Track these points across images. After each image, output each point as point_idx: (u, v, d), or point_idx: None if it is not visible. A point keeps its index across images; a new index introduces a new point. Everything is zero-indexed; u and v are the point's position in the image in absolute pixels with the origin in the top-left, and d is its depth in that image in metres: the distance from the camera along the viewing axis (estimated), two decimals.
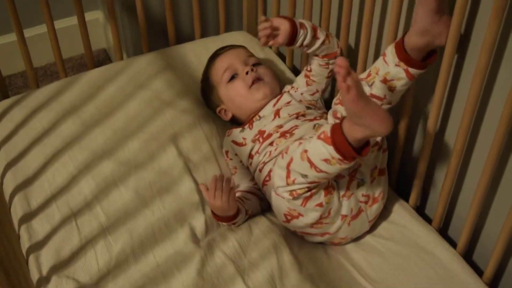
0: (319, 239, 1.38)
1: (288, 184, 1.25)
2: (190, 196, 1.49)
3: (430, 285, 1.30)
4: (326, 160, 1.17)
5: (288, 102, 1.54)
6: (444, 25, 1.18)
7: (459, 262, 1.32)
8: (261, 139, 1.49)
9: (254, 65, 1.59)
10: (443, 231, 1.43)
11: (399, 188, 1.52)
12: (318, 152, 1.18)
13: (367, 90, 1.28)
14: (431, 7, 1.16)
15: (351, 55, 1.58)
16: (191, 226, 1.42)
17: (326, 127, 1.18)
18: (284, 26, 1.46)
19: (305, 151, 1.20)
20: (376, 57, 1.49)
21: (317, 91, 1.59)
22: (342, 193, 1.31)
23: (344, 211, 1.32)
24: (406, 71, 1.25)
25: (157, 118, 1.66)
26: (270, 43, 1.46)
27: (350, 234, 1.37)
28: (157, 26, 1.97)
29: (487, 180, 1.19)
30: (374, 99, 1.28)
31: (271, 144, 1.46)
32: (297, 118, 1.50)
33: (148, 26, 1.85)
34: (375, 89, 1.28)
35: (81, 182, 1.50)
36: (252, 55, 1.65)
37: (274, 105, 1.55)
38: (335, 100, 1.40)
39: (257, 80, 1.56)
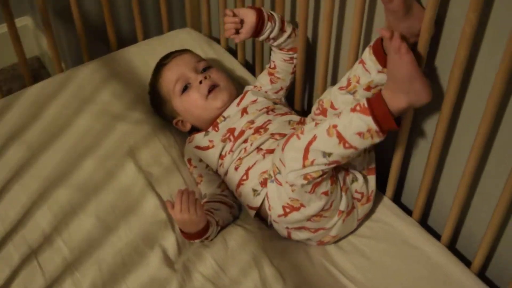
0: (308, 235, 1.31)
1: (304, 166, 1.17)
2: (156, 214, 1.40)
3: (419, 282, 1.26)
4: (360, 134, 1.12)
5: (254, 100, 1.49)
6: (416, 18, 1.11)
7: (445, 254, 1.28)
8: (232, 138, 1.42)
9: (205, 70, 1.51)
10: (423, 221, 1.40)
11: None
12: (351, 125, 1.12)
13: (350, 98, 1.22)
14: (398, 9, 1.09)
15: (310, 48, 1.51)
16: (163, 247, 1.33)
17: (361, 100, 1.13)
18: (249, 19, 1.40)
19: (334, 126, 1.14)
20: (337, 49, 1.43)
21: (281, 88, 1.53)
22: (340, 186, 1.27)
23: (342, 206, 1.27)
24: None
25: (109, 133, 1.55)
26: (235, 39, 1.39)
27: (341, 232, 1.32)
28: (95, 31, 1.85)
29: (470, 171, 1.16)
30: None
31: (245, 141, 1.40)
32: (267, 113, 1.45)
33: (85, 31, 1.73)
34: (359, 96, 1.22)
35: (37, 214, 1.38)
36: (200, 58, 1.55)
37: (238, 104, 1.49)
38: (315, 111, 1.32)
39: (213, 87, 1.48)
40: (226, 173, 1.42)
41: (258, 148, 1.38)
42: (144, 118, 1.60)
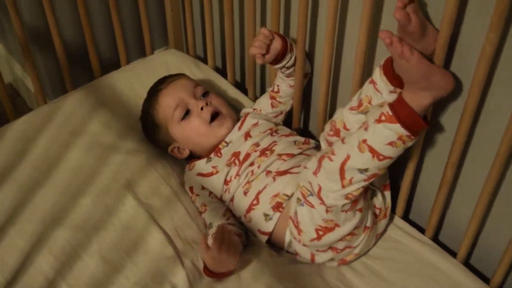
0: (333, 255, 1.29)
1: (344, 186, 1.15)
2: (162, 250, 1.34)
3: None
4: (391, 143, 1.10)
5: (255, 124, 1.45)
6: (430, 38, 1.09)
7: (462, 271, 1.27)
8: (237, 161, 1.39)
9: (204, 95, 1.47)
10: (434, 237, 1.38)
11: None
12: (381, 136, 1.10)
13: (362, 118, 1.20)
14: (415, 30, 1.07)
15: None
16: (173, 284, 1.28)
17: (382, 109, 1.11)
18: (276, 45, 1.37)
19: (364, 141, 1.12)
20: (337, 65, 1.40)
21: (281, 113, 1.50)
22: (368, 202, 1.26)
23: (369, 222, 1.27)
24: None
25: (103, 166, 1.49)
26: (258, 60, 1.35)
27: (363, 250, 1.30)
28: (75, 58, 1.77)
29: (488, 190, 1.15)
30: None
31: (251, 164, 1.37)
32: (271, 134, 1.42)
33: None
34: None
35: (37, 259, 1.31)
36: (197, 83, 1.51)
37: (239, 128, 1.45)
38: (328, 132, 1.30)
39: (216, 114, 1.44)
40: (232, 199, 1.38)
41: (267, 171, 1.35)
42: (138, 147, 1.54)
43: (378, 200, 1.31)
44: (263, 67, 1.65)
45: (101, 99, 1.65)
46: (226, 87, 1.69)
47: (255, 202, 1.34)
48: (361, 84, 1.25)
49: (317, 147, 1.45)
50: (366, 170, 1.14)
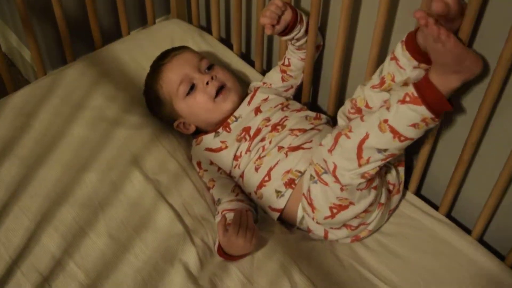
0: (347, 233, 1.27)
1: (360, 165, 1.13)
2: (172, 227, 1.31)
3: (454, 278, 1.23)
4: (414, 125, 1.08)
5: (266, 99, 1.41)
6: (457, 11, 1.05)
7: (477, 248, 1.26)
8: (248, 137, 1.35)
9: (209, 69, 1.42)
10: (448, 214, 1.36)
11: None
12: (404, 117, 1.07)
13: (386, 96, 1.16)
14: (452, 16, 1.03)
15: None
16: (183, 262, 1.25)
17: (406, 89, 1.07)
18: (287, 16, 1.32)
19: (385, 120, 1.08)
20: (351, 39, 1.36)
21: (292, 87, 1.47)
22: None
23: (383, 198, 1.25)
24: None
25: (108, 141, 1.45)
26: (267, 30, 1.30)
27: (376, 226, 1.29)
28: (74, 28, 1.71)
29: (508, 170, 1.12)
30: None
31: (262, 139, 1.34)
32: (282, 109, 1.39)
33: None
34: None
35: (43, 237, 1.28)
36: (202, 56, 1.45)
37: (249, 103, 1.41)
38: (350, 109, 1.26)
39: (221, 88, 1.39)
40: (242, 175, 1.35)
41: (279, 146, 1.32)
42: (143, 121, 1.50)
43: (392, 176, 1.29)
44: (270, 38, 1.60)
45: (103, 71, 1.60)
46: (232, 59, 1.64)
47: (266, 178, 1.31)
48: (378, 63, 1.21)
49: (328, 122, 1.41)
50: (385, 150, 1.11)
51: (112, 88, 1.55)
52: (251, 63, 1.63)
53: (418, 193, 1.40)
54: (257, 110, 1.39)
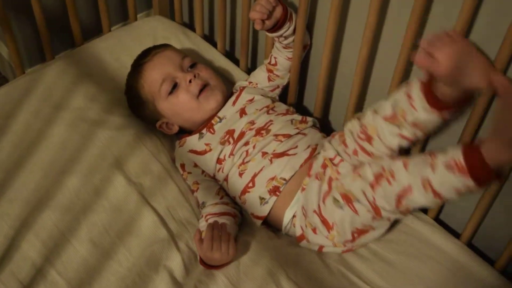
0: (345, 249, 1.27)
1: (397, 208, 1.11)
2: (156, 232, 1.28)
3: (443, 284, 1.22)
4: (457, 190, 1.04)
5: (251, 100, 1.38)
6: (478, 65, 1.01)
7: (466, 253, 1.24)
8: (231, 140, 1.32)
9: (191, 67, 1.38)
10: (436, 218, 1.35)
11: None
12: (448, 183, 1.03)
13: (396, 130, 1.13)
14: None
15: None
16: (168, 269, 1.23)
17: (453, 153, 1.02)
18: (277, 12, 1.30)
19: (429, 182, 1.04)
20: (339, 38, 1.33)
21: (278, 87, 1.44)
22: None
23: None
24: (440, 115, 1.09)
25: (89, 143, 1.41)
26: (257, 25, 1.27)
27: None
28: (53, 24, 1.66)
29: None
30: (404, 140, 1.15)
31: (246, 143, 1.31)
32: (267, 112, 1.36)
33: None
34: (405, 131, 1.13)
35: (23, 244, 1.24)
36: (184, 55, 1.42)
37: (234, 103, 1.38)
38: (359, 134, 1.20)
39: (204, 87, 1.36)
40: (226, 179, 1.33)
41: (263, 152, 1.29)
42: (125, 122, 1.46)
43: None
44: (255, 36, 1.57)
45: (84, 69, 1.55)
46: (216, 57, 1.60)
47: (250, 184, 1.28)
48: (367, 63, 1.19)
49: (315, 125, 1.39)
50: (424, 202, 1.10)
51: (93, 88, 1.51)
52: (236, 62, 1.60)
53: None
54: (242, 112, 1.36)
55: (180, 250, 1.26)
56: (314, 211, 1.21)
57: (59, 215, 1.29)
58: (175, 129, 1.41)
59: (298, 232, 1.27)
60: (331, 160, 1.23)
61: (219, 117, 1.37)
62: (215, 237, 1.16)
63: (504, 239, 1.20)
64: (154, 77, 1.37)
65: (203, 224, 1.26)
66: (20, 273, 1.20)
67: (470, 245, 1.29)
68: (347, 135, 1.23)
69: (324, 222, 1.21)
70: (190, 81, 1.35)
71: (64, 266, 1.22)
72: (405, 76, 1.21)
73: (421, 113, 1.09)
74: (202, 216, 1.29)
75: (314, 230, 1.23)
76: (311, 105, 1.50)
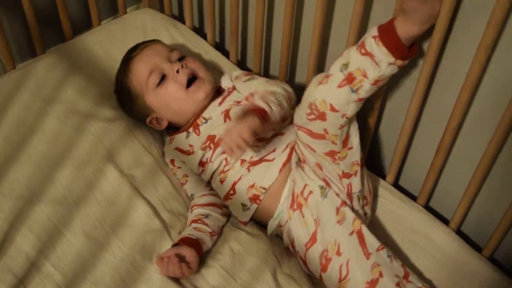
0: None
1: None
2: (149, 223, 1.29)
3: (432, 270, 1.24)
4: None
5: (238, 102, 1.35)
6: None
7: (455, 240, 1.26)
8: (212, 145, 1.31)
9: (180, 60, 1.37)
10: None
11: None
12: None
13: (353, 97, 1.10)
14: None
15: None
16: None
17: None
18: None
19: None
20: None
21: None
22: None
23: None
24: (400, 66, 1.10)
25: (81, 136, 1.41)
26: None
27: None
28: (42, 19, 1.66)
29: (483, 169, 1.14)
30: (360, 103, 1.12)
31: (223, 152, 1.29)
32: None
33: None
34: (363, 92, 1.09)
35: (17, 237, 1.25)
36: (172, 48, 1.41)
37: (220, 104, 1.36)
38: (307, 117, 1.14)
39: (193, 78, 1.35)
40: (210, 181, 1.33)
41: (241, 160, 1.28)
42: (116, 115, 1.47)
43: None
44: (245, 28, 1.58)
45: (74, 63, 1.55)
46: (206, 49, 1.61)
47: (231, 192, 1.29)
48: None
49: None
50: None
51: (83, 81, 1.51)
52: (226, 53, 1.60)
53: (396, 184, 1.40)
54: (226, 116, 1.33)
55: (173, 239, 1.27)
56: (300, 258, 1.23)
57: (52, 208, 1.29)
58: (165, 124, 1.40)
59: (285, 244, 1.28)
60: (301, 194, 1.21)
61: (204, 118, 1.35)
62: (169, 268, 1.18)
63: (492, 225, 1.22)
64: (142, 68, 1.36)
65: (187, 228, 1.27)
66: (14, 267, 1.21)
67: (459, 232, 1.30)
68: (295, 119, 1.19)
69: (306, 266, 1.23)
70: (177, 71, 1.34)
71: (58, 258, 1.23)
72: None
73: (384, 67, 1.08)
74: (190, 208, 1.31)
75: (298, 258, 1.25)
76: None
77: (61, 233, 1.26)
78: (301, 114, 1.15)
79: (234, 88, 1.39)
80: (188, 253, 1.20)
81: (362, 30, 1.21)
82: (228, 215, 1.33)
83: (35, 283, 1.19)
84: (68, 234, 1.26)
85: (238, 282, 1.21)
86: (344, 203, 1.19)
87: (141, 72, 1.36)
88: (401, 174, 1.39)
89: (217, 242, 1.28)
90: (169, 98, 1.35)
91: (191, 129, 1.35)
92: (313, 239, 1.18)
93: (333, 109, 1.10)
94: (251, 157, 1.28)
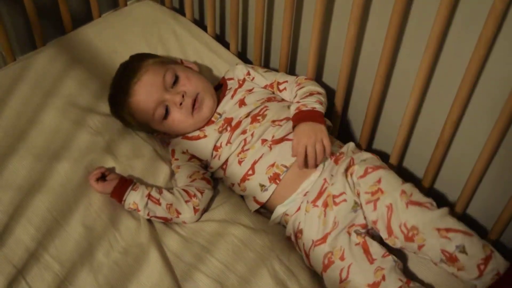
0: None
1: None
2: None
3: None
4: None
5: (250, 90, 1.37)
6: None
7: None
8: (229, 128, 1.32)
9: (174, 83, 1.34)
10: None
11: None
12: None
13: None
14: None
15: None
16: (160, 250, 1.23)
17: None
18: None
19: None
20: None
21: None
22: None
23: None
24: None
25: (80, 129, 1.42)
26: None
27: None
28: (42, 11, 1.66)
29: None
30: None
31: (243, 132, 1.31)
32: (267, 101, 1.36)
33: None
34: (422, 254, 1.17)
35: (16, 229, 1.25)
36: (163, 69, 1.35)
37: (233, 96, 1.37)
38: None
39: (195, 102, 1.34)
40: (224, 167, 1.33)
41: (262, 139, 1.29)
42: None
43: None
44: (245, 19, 1.57)
45: (74, 56, 1.56)
46: (207, 40, 1.60)
47: (250, 172, 1.28)
48: (355, 43, 1.21)
49: None
50: None
51: (83, 74, 1.52)
52: (226, 45, 1.60)
53: (400, 166, 1.40)
54: (242, 103, 1.35)
55: (172, 228, 1.27)
56: (304, 251, 1.23)
57: (52, 200, 1.30)
58: (173, 136, 1.41)
59: (287, 233, 1.28)
60: (334, 197, 1.22)
61: (219, 113, 1.37)
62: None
63: (498, 208, 1.21)
64: (144, 108, 1.33)
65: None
66: (13, 257, 1.21)
67: (464, 215, 1.30)
68: (384, 204, 1.18)
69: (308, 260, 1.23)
70: (181, 104, 1.32)
71: (57, 249, 1.23)
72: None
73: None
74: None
75: (300, 250, 1.25)
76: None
77: (60, 224, 1.27)
78: None
79: (244, 80, 1.40)
80: (113, 178, 1.28)
81: (362, 20, 1.21)
82: (195, 208, 1.28)
83: (34, 274, 1.20)
84: (67, 226, 1.26)
85: (235, 273, 1.20)
86: (365, 225, 1.20)
87: (144, 110, 1.33)
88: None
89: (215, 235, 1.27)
90: (178, 126, 1.36)
91: (205, 126, 1.37)
92: (324, 239, 1.18)
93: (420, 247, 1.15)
94: (273, 135, 1.28)
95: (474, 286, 1.14)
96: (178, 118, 1.33)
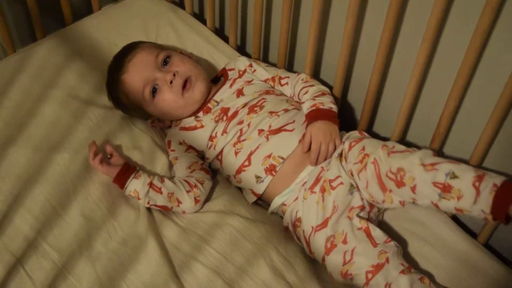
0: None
1: None
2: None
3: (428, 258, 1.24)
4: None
5: (250, 81, 1.38)
6: None
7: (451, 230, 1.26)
8: (225, 117, 1.33)
9: (166, 62, 1.36)
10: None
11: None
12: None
13: (435, 198, 1.11)
14: None
15: None
16: (158, 240, 1.24)
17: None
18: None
19: None
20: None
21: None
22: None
23: None
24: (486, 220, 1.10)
25: (80, 122, 1.43)
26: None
27: None
28: (44, 4, 1.67)
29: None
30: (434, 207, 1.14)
31: (240, 122, 1.31)
32: (265, 93, 1.37)
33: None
34: (444, 204, 1.11)
35: (16, 218, 1.26)
36: (156, 49, 1.38)
37: (231, 85, 1.38)
38: (388, 173, 1.16)
39: (186, 83, 1.35)
40: (219, 157, 1.33)
41: (259, 130, 1.29)
42: None
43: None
44: (244, 13, 1.58)
45: (75, 48, 1.57)
46: (206, 34, 1.61)
47: (246, 163, 1.29)
48: (353, 36, 1.22)
49: None
50: None
51: (83, 66, 1.53)
52: (225, 39, 1.61)
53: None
54: (239, 92, 1.36)
55: (171, 219, 1.28)
56: (304, 238, 1.23)
57: (51, 189, 1.31)
58: (167, 123, 1.42)
59: (285, 223, 1.29)
60: (330, 181, 1.23)
61: (216, 101, 1.37)
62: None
63: None
64: (134, 85, 1.35)
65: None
66: (12, 246, 1.22)
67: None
68: (370, 161, 1.18)
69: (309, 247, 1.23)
70: (171, 82, 1.34)
71: (55, 238, 1.24)
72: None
73: (475, 212, 1.06)
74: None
75: (298, 239, 1.25)
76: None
77: (58, 214, 1.28)
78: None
79: (245, 71, 1.41)
80: (117, 163, 1.29)
81: (360, 13, 1.22)
82: (196, 199, 1.29)
83: (32, 262, 1.21)
84: (66, 216, 1.27)
85: (232, 263, 1.21)
86: (362, 207, 1.20)
87: (134, 87, 1.35)
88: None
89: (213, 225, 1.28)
90: (168, 107, 1.36)
91: (201, 113, 1.37)
92: (324, 223, 1.19)
93: (413, 189, 1.12)
94: (270, 126, 1.29)
95: (485, 220, 1.09)
96: (168, 97, 1.34)
